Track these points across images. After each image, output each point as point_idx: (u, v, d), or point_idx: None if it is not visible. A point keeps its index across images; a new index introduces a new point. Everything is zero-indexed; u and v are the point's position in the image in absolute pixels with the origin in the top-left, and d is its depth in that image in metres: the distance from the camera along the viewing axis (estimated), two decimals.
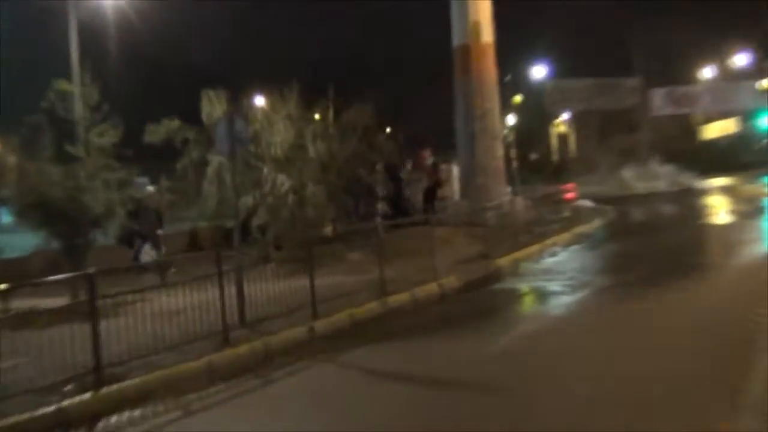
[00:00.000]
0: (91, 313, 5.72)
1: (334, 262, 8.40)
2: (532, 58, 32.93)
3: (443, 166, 17.37)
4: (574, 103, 34.50)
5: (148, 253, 11.57)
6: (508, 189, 18.45)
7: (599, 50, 31.42)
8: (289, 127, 11.99)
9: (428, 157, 16.72)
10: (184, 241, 13.41)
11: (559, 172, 30.47)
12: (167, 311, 6.75)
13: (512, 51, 25.53)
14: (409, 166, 16.33)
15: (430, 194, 15.27)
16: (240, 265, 7.40)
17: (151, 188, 12.07)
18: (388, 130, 15.66)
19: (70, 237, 9.24)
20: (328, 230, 12.00)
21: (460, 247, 11.45)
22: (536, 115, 34.37)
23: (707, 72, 37.07)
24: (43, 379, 5.45)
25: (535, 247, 11.86)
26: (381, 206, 13.37)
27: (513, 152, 23.96)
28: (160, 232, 12.14)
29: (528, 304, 8.77)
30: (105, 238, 9.99)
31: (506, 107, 24.07)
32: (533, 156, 37.18)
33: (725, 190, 21.72)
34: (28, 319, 6.17)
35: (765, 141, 32.25)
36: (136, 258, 11.65)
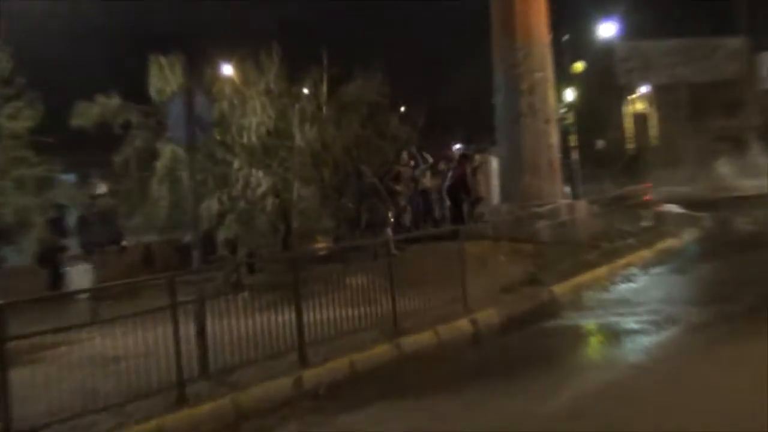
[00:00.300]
0: None
1: (330, 290, 8.38)
2: (599, 11, 32.91)
3: (478, 157, 17.36)
4: (655, 72, 34.46)
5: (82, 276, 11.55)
6: (566, 189, 18.38)
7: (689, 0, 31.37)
8: (269, 106, 12.03)
9: (454, 148, 16.72)
10: (135, 258, 13.42)
11: (635, 165, 30.36)
12: (103, 358, 6.73)
13: (571, 1, 25.55)
14: (429, 158, 16.29)
15: (456, 195, 15.14)
16: (201, 294, 7.39)
17: (104, 187, 12.08)
18: (402, 109, 15.68)
19: None
20: (321, 246, 12.01)
21: (500, 269, 11.42)
22: (604, 88, 34.26)
23: None
24: None
25: (603, 269, 11.81)
26: (393, 213, 13.31)
27: (572, 139, 23.92)
28: (124, 243, 12.18)
29: (594, 347, 8.68)
30: (19, 256, 10.01)
31: (563, 78, 24.02)
32: (600, 144, 37.09)
33: None
34: None
35: None
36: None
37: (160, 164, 11.41)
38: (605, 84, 34.17)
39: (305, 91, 12.97)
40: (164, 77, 11.54)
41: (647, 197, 17.95)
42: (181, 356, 6.67)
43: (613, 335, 8.71)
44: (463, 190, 15.24)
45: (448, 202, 15.51)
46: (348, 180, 12.89)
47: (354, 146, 13.08)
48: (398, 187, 13.66)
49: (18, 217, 9.42)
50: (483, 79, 16.44)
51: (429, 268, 9.75)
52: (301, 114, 12.27)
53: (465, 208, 15.11)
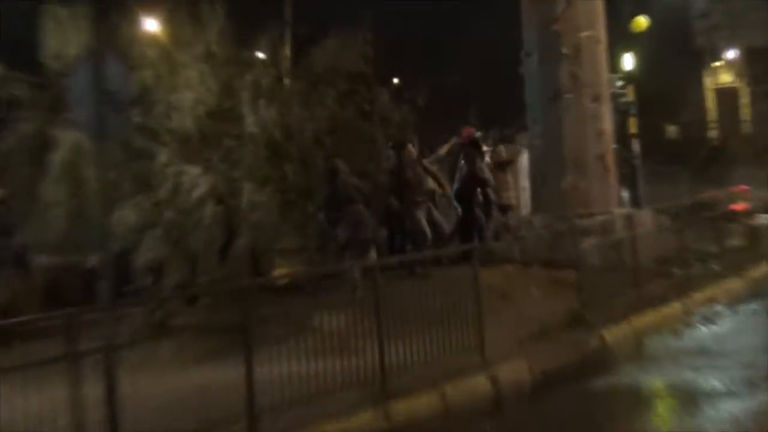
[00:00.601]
0: None
1: (293, 334, 8.35)
2: None
3: (501, 149, 17.37)
4: (747, 31, 34.61)
5: None
6: (624, 194, 18.39)
7: None
8: (210, 77, 12.04)
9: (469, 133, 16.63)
10: (34, 288, 13.36)
11: (719, 161, 30.44)
12: None
13: None
14: (443, 149, 16.27)
15: (468, 200, 15.04)
16: (112, 340, 7.35)
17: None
18: (395, 82, 15.73)
19: None
20: (281, 272, 11.97)
21: (532, 306, 11.42)
22: (676, 54, 34.37)
23: None
24: None
25: (675, 307, 11.87)
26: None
27: (632, 124, 23.96)
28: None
29: (661, 416, 8.68)
30: None
31: (620, 39, 24.09)
32: (671, 131, 37.19)
33: None
34: None
35: None
36: None
37: (57, 157, 11.39)
38: (678, 48, 34.25)
39: (261, 56, 12.99)
40: (64, 36, 11.53)
41: (739, 205, 17.96)
42: (82, 428, 6.61)
43: (688, 398, 8.71)
44: (481, 191, 15.13)
45: (459, 210, 15.43)
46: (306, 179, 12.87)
47: (328, 132, 13.09)
48: (395, 203, 13.58)
49: None
50: (508, 41, 16.48)
51: (432, 303, 9.71)
52: (255, 88, 12.29)
53: (480, 215, 14.98)
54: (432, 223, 14.18)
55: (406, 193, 13.67)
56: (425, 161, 15.02)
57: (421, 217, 13.77)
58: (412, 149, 14.25)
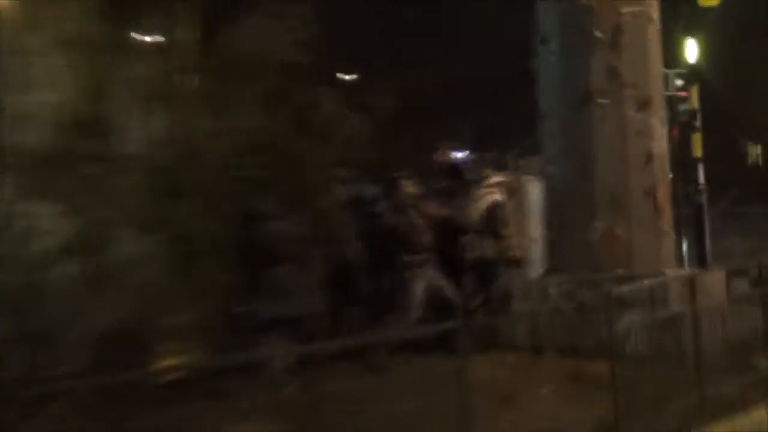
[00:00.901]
0: None
1: None
2: None
3: (504, 179, 17.47)
4: None
5: None
6: (684, 247, 18.47)
7: None
8: (74, 71, 12.02)
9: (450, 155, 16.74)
10: None
11: None
12: None
13: None
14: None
15: (444, 255, 15.00)
16: None
17: None
18: (347, 79, 15.76)
19: None
20: (172, 362, 11.89)
21: (543, 414, 11.43)
22: (760, 40, 34.71)
23: None
24: None
25: (757, 415, 11.87)
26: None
27: (697, 143, 24.11)
28: None
29: None
30: None
31: (681, 19, 24.37)
32: (753, 151, 37.46)
33: None
34: None
35: None
36: None
37: None
38: (762, 31, 34.58)
39: (150, 40, 12.99)
40: None
41: None
42: None
43: None
44: (476, 241, 15.18)
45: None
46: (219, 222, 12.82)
47: (247, 152, 13.05)
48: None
49: None
50: (514, 24, 16.59)
51: (395, 409, 9.70)
52: (141, 87, 12.27)
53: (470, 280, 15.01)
54: (432, 291, 14.04)
55: (400, 251, 13.66)
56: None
57: (417, 288, 13.69)
58: (408, 187, 14.28)
